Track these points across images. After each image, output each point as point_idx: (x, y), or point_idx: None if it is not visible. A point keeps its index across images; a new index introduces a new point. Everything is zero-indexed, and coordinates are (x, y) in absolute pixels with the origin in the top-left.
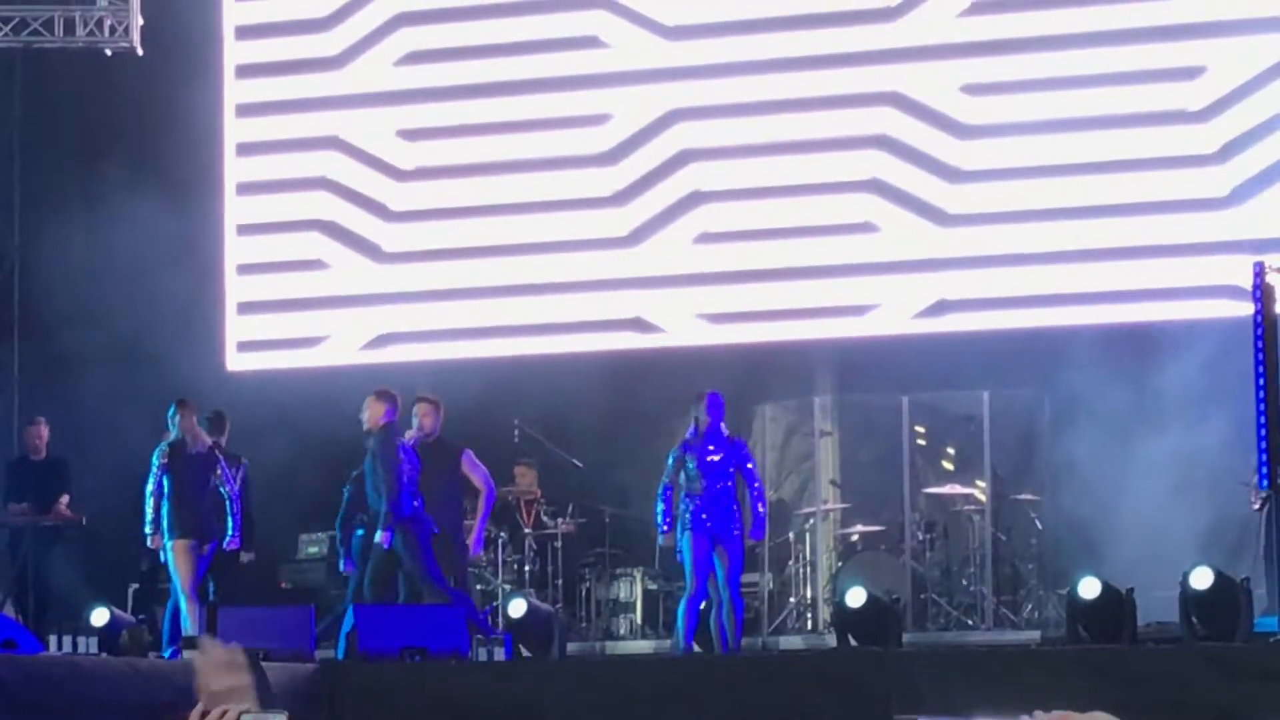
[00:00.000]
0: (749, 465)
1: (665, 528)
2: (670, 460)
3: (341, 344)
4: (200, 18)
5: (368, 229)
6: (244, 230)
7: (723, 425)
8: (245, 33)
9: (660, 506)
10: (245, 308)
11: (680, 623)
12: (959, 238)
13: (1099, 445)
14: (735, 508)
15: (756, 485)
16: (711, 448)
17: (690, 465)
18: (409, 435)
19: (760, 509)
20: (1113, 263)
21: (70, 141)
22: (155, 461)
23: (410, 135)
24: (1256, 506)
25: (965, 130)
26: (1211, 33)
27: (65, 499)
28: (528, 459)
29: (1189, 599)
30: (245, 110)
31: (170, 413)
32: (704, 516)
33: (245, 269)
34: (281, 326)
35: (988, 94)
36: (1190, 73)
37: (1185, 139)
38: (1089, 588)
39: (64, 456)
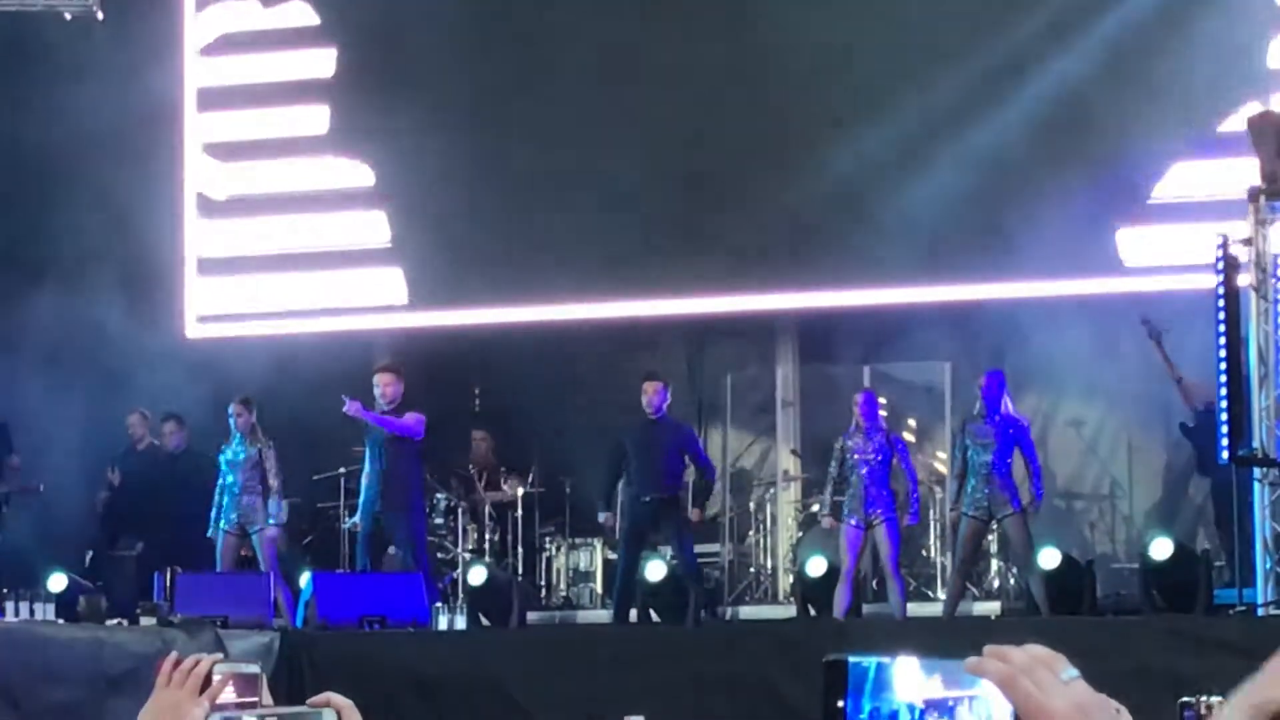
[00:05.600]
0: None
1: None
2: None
3: (298, 311)
4: None
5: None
6: (204, 203)
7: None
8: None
9: None
10: (205, 270)
11: None
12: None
13: (1060, 417)
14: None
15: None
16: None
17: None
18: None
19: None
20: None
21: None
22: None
23: None
24: None
25: None
26: None
27: (15, 460)
28: (484, 428)
29: (1149, 570)
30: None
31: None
32: None
33: (206, 229)
34: (240, 295)
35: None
36: None
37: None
38: (1049, 559)
39: (4, 420)
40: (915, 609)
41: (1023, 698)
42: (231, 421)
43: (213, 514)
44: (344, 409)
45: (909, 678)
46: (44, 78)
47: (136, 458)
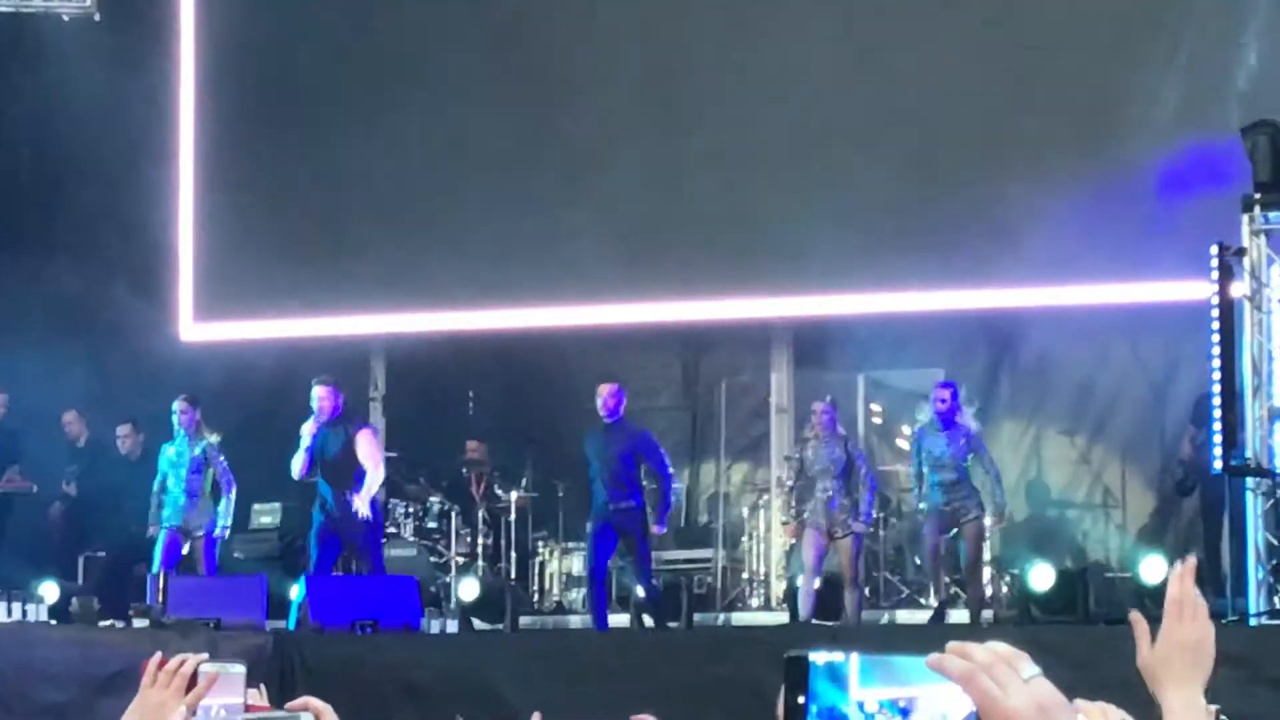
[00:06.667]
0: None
1: None
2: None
3: (295, 313)
4: None
5: None
6: (200, 201)
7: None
8: None
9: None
10: (201, 277)
11: None
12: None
13: (1054, 426)
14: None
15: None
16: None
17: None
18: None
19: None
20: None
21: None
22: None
23: None
24: None
25: None
26: None
27: (16, 469)
28: (479, 434)
29: (1140, 580)
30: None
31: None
32: None
33: (201, 237)
34: (238, 292)
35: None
36: None
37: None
38: (1042, 579)
39: (16, 428)
40: (906, 616)
41: (983, 695)
42: (175, 419)
43: (151, 511)
44: (361, 516)
45: (869, 675)
46: (41, 77)
47: (80, 457)
